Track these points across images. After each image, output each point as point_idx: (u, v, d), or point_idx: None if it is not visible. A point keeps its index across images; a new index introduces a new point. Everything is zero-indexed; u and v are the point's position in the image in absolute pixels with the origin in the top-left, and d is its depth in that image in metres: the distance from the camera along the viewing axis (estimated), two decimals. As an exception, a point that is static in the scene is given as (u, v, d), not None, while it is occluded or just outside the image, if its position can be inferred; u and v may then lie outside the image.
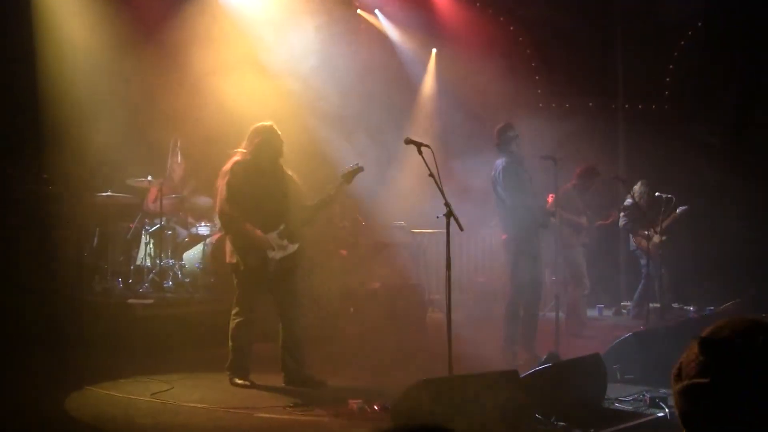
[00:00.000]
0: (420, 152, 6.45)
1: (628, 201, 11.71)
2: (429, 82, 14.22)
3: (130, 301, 9.19)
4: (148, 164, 10.52)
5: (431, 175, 6.37)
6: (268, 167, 7.14)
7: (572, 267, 10.57)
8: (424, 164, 6.30)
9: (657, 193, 11.61)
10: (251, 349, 7.25)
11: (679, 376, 1.86)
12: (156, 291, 9.79)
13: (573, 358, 6.53)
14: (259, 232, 6.91)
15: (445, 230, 6.26)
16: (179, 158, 11.08)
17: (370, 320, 10.32)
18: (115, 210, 10.57)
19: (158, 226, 10.09)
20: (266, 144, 7.08)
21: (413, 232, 12.33)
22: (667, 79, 14.31)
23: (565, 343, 8.15)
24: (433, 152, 6.39)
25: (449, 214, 6.27)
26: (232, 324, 7.17)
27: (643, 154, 13.50)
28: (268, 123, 7.22)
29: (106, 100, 10.47)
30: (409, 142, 6.59)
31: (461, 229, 6.32)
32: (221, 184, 7.04)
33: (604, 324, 11.63)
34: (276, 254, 6.99)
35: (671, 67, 14.24)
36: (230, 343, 7.19)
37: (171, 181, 10.86)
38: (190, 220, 10.99)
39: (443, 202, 6.32)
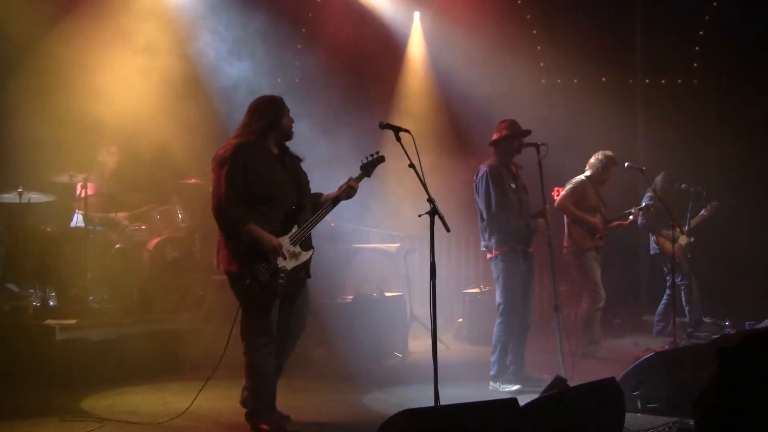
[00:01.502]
0: (398, 138, 6.47)
1: (648, 195, 11.75)
2: (410, 54, 14.22)
3: (48, 321, 9.13)
4: (72, 156, 10.51)
5: (412, 165, 6.39)
6: (277, 152, 6.92)
7: (584, 275, 10.60)
8: (403, 152, 6.31)
9: (683, 185, 11.67)
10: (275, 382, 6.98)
11: (700, 403, 1.90)
12: (80, 308, 9.73)
13: (584, 384, 6.54)
14: (269, 236, 6.55)
15: (428, 231, 6.27)
16: (111, 148, 11.06)
17: (342, 339, 10.32)
18: (28, 211, 10.49)
19: (81, 229, 10.03)
20: (275, 123, 6.83)
21: (392, 235, 12.34)
22: (696, 48, 14.37)
23: (574, 365, 8.18)
24: (413, 138, 6.40)
25: (433, 212, 6.28)
26: (249, 358, 6.77)
27: (666, 138, 13.56)
28: (276, 96, 6.99)
29: (17, 85, 10.47)
30: (385, 126, 6.62)
31: (448, 230, 6.32)
32: (220, 175, 6.63)
33: (622, 343, 11.68)
34: (287, 263, 6.66)
35: (701, 33, 14.29)
36: (249, 383, 6.81)
37: (101, 174, 10.82)
38: (124, 222, 10.96)
39: (426, 197, 6.34)
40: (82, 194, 10.18)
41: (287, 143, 7.06)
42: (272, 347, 6.79)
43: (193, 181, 11.20)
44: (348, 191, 7.01)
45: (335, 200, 7.00)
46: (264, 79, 11.75)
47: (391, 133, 6.55)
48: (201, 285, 10.85)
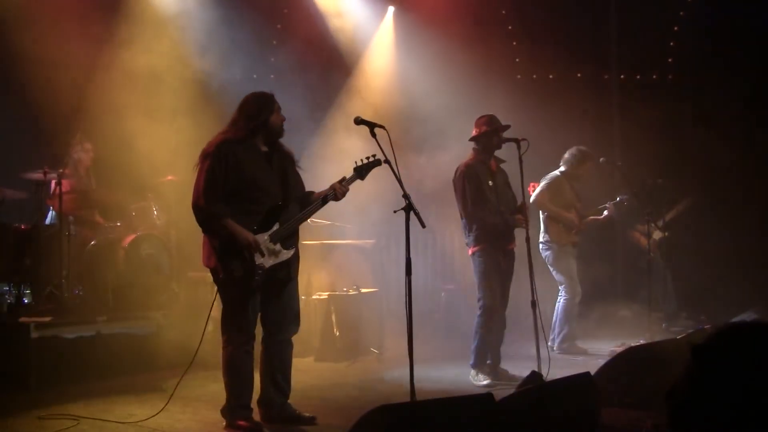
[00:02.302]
0: (373, 134, 6.48)
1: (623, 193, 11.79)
2: (384, 50, 14.18)
3: (23, 319, 9.08)
4: (46, 153, 10.46)
5: (387, 161, 6.41)
6: (266, 150, 6.87)
7: (561, 270, 10.64)
8: (377, 148, 6.33)
9: (659, 180, 11.72)
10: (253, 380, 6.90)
11: (671, 397, 1.93)
12: (55, 306, 9.68)
13: (559, 378, 6.58)
14: (245, 232, 6.51)
15: (404, 227, 6.28)
16: (85, 144, 10.99)
17: (317, 337, 10.33)
18: (1, 208, 10.42)
19: (56, 226, 9.99)
20: (263, 120, 6.76)
21: (368, 231, 12.33)
22: (671, 44, 14.44)
23: (550, 360, 8.20)
24: (389, 134, 6.41)
25: (408, 208, 6.29)
26: (225, 353, 6.75)
27: (641, 133, 13.60)
28: (267, 92, 6.91)
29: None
30: (360, 122, 6.61)
31: (423, 225, 6.34)
32: (201, 170, 6.65)
33: (598, 338, 11.71)
34: (266, 261, 6.61)
35: (675, 29, 14.35)
36: (225, 379, 6.78)
37: (75, 171, 10.77)
38: (99, 219, 10.92)
39: (401, 193, 6.35)
40: (57, 191, 10.12)
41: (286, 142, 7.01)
42: (250, 345, 6.77)
43: (168, 178, 11.16)
44: (336, 194, 6.93)
45: (322, 201, 6.93)
46: (239, 74, 11.74)
47: (365, 130, 6.55)
48: (176, 282, 10.82)
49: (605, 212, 10.94)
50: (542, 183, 10.73)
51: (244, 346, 6.71)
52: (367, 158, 7.02)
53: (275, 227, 6.70)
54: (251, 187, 6.66)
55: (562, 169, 10.80)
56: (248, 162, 6.68)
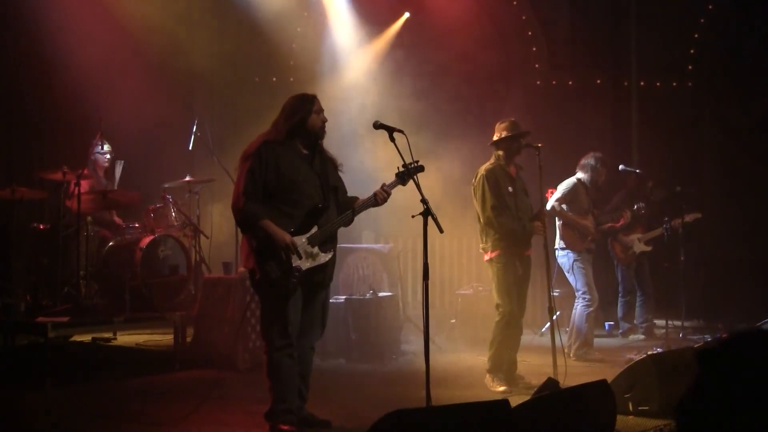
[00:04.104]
0: (392, 138, 6.48)
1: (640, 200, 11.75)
2: (398, 53, 14.11)
3: (40, 319, 9.12)
4: (66, 153, 10.50)
5: (405, 165, 6.42)
6: (307, 152, 6.83)
7: (578, 277, 10.62)
8: (396, 152, 6.34)
9: (678, 188, 11.68)
10: (298, 384, 6.85)
11: (681, 407, 1.93)
12: (72, 306, 9.72)
13: (575, 386, 6.57)
14: (282, 233, 6.47)
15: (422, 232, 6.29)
16: (105, 145, 11.03)
17: (333, 340, 10.33)
18: (20, 208, 10.48)
19: (73, 227, 10.04)
20: (300, 122, 6.73)
21: (385, 235, 12.34)
22: (691, 51, 14.41)
23: (566, 367, 8.19)
24: (407, 138, 6.42)
25: (426, 213, 6.30)
26: (268, 358, 6.72)
27: (660, 140, 13.58)
28: (308, 94, 6.89)
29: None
30: (379, 126, 6.60)
31: (441, 230, 6.34)
32: (241, 171, 6.68)
33: (614, 345, 11.70)
34: (302, 263, 6.56)
35: (696, 35, 14.33)
36: (268, 383, 6.73)
37: (94, 172, 10.82)
38: (116, 219, 10.96)
39: (420, 198, 6.35)
40: (75, 192, 10.17)
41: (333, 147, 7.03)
42: (291, 349, 6.69)
43: (186, 179, 11.18)
44: (376, 199, 6.90)
45: (361, 206, 6.92)
46: (259, 77, 11.75)
47: (381, 133, 6.56)
48: (193, 283, 10.83)
49: (622, 219, 10.94)
50: (559, 189, 10.70)
51: (285, 349, 6.66)
52: (410, 164, 6.83)
53: (313, 230, 6.65)
54: (289, 189, 6.64)
55: (578, 175, 10.78)
56: (287, 163, 6.66)
